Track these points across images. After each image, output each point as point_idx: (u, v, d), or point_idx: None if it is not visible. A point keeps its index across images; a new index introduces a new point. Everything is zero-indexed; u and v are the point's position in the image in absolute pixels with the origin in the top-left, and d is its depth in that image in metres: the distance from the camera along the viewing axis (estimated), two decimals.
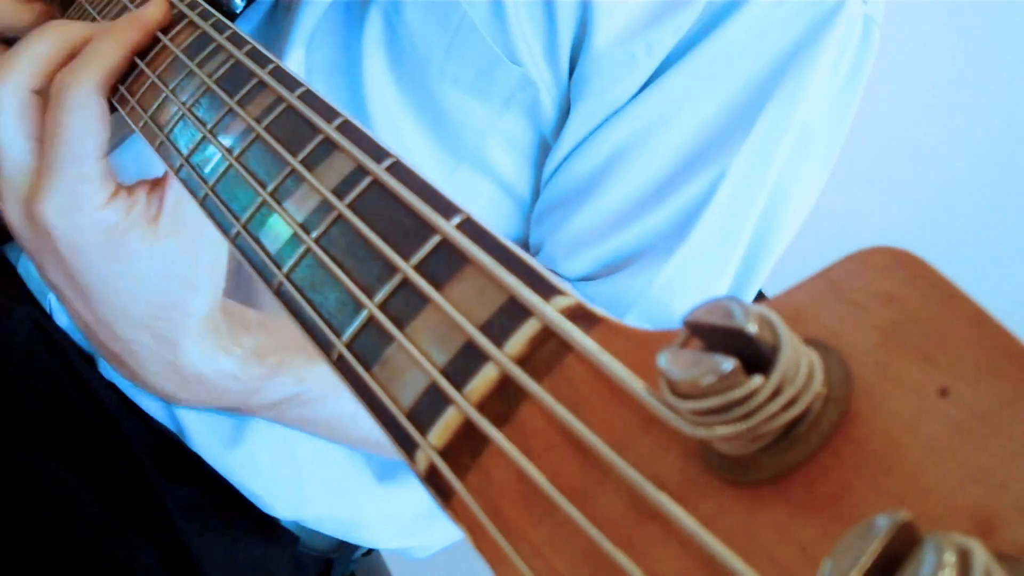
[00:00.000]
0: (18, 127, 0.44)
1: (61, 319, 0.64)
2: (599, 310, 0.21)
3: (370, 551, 0.75)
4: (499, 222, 0.65)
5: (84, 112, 0.42)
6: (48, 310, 0.65)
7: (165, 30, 0.45)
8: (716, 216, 0.58)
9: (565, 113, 0.61)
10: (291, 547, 0.65)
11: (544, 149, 0.63)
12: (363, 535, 0.67)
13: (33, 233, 0.44)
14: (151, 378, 0.49)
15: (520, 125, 0.61)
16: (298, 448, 0.63)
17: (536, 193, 0.64)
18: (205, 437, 0.62)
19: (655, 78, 0.58)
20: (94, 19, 0.54)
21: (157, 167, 0.41)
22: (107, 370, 0.62)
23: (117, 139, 0.67)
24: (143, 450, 0.61)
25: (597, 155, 0.59)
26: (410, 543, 0.70)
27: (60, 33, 0.46)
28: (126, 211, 0.44)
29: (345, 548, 0.70)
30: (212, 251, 0.46)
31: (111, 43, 0.44)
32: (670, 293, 0.58)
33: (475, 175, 0.63)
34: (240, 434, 0.62)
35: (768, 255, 0.61)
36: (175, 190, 0.44)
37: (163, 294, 0.45)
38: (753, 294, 0.63)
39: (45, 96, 0.45)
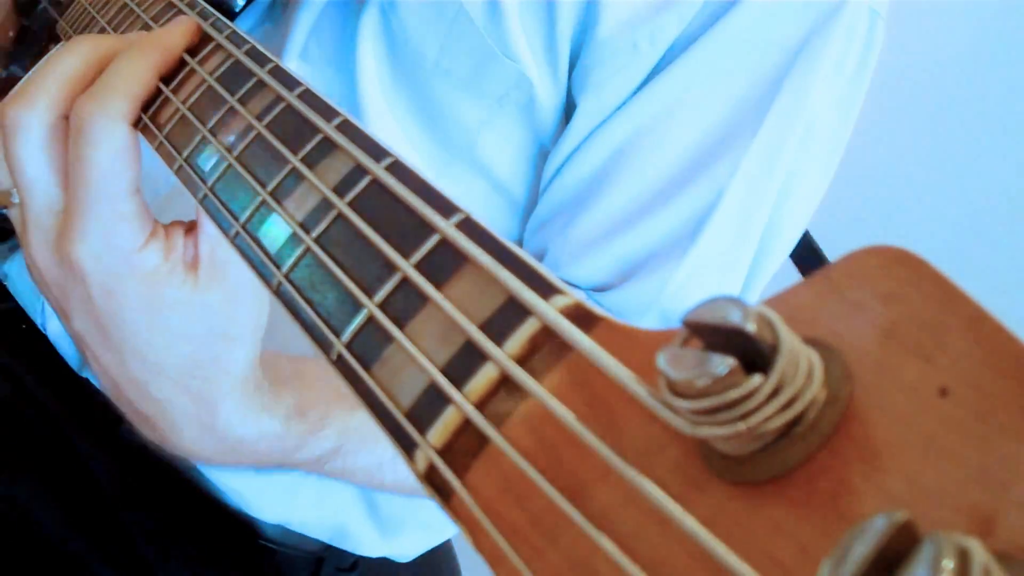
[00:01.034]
0: (45, 159, 0.39)
1: (52, 324, 0.64)
2: (599, 310, 0.21)
3: None
4: (491, 221, 0.64)
5: (113, 145, 0.38)
6: (39, 312, 0.64)
7: None
8: (728, 215, 0.57)
9: (563, 115, 0.60)
10: (269, 562, 0.65)
11: (541, 151, 0.62)
12: (348, 541, 0.67)
13: (62, 278, 0.40)
14: (186, 443, 0.44)
15: (514, 124, 0.60)
16: None
17: (532, 194, 0.64)
18: None
19: (658, 71, 0.57)
20: (94, 18, 0.54)
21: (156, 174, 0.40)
22: (78, 388, 0.62)
23: None
24: (103, 475, 0.60)
25: (600, 153, 0.58)
26: (393, 550, 0.69)
27: (89, 48, 0.41)
28: (164, 255, 0.39)
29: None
30: (253, 301, 0.41)
31: (137, 64, 0.39)
32: (684, 295, 0.57)
33: (467, 172, 0.62)
34: None
35: (776, 252, 0.60)
36: (209, 233, 0.40)
37: (201, 348, 0.41)
38: (760, 291, 0.63)
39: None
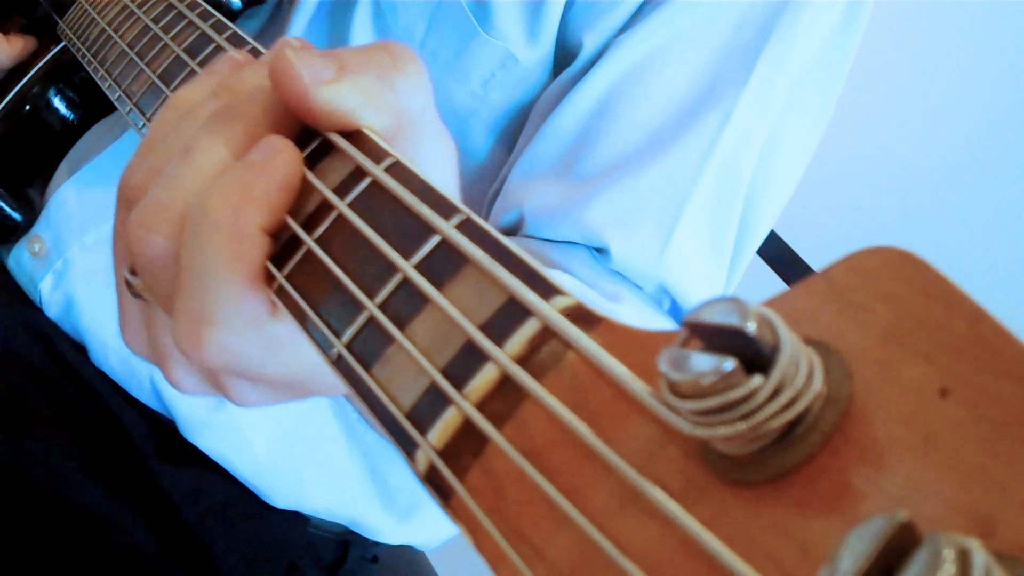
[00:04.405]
0: None
1: (50, 312, 0.64)
2: (599, 310, 0.21)
3: None
4: (481, 205, 0.62)
5: None
6: (38, 302, 0.65)
7: (166, 30, 0.45)
8: (719, 167, 0.54)
9: (551, 78, 0.59)
10: (302, 528, 0.65)
11: (521, 123, 0.61)
12: (366, 528, 0.67)
13: None
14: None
15: (501, 106, 0.60)
16: (297, 441, 0.63)
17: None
18: (191, 412, 0.62)
19: (639, 19, 0.56)
20: (94, 20, 0.54)
21: None
22: (98, 360, 0.63)
23: (110, 139, 0.67)
24: (140, 437, 0.62)
25: (584, 105, 0.56)
26: (413, 538, 0.70)
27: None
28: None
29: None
30: None
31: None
32: (683, 258, 0.55)
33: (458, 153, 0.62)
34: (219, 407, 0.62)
35: (766, 211, 0.58)
36: None
37: None
38: (751, 252, 0.60)
39: None
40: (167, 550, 0.59)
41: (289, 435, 0.63)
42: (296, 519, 0.65)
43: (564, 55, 0.59)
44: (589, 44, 0.56)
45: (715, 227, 0.56)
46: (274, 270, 0.28)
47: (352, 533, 0.68)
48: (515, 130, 0.61)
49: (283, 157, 0.29)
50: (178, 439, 0.62)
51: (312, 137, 0.31)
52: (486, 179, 0.63)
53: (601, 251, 0.55)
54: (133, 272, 0.32)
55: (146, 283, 0.31)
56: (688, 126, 0.55)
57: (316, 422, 0.64)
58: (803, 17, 0.55)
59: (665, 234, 0.54)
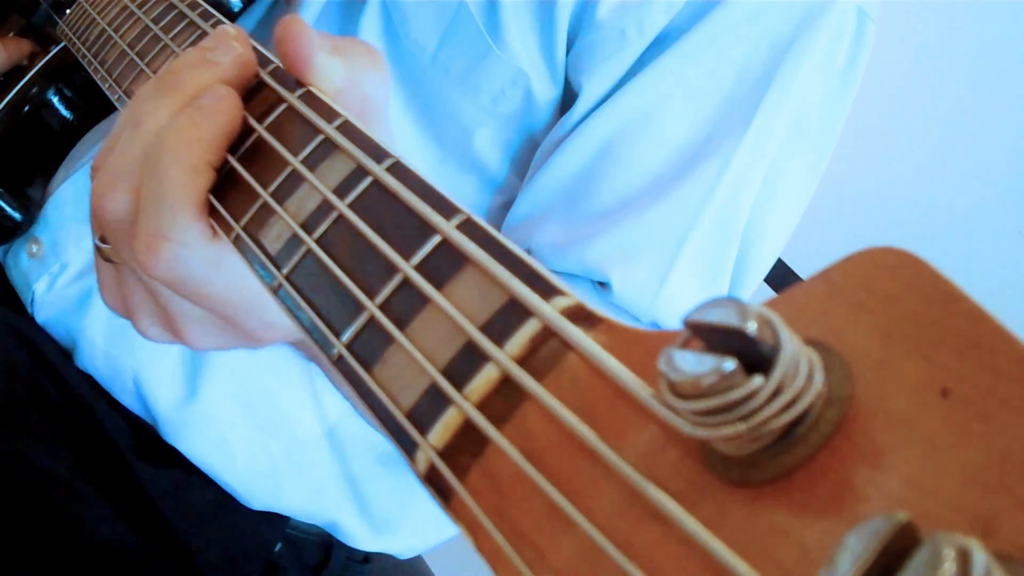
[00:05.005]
0: None
1: (41, 314, 0.65)
2: (599, 311, 0.21)
3: None
4: (483, 218, 0.64)
5: None
6: (30, 303, 0.65)
7: (166, 30, 0.45)
8: (717, 213, 0.56)
9: (559, 109, 0.60)
10: (279, 526, 0.66)
11: (533, 148, 0.62)
12: (342, 534, 0.67)
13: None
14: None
15: (509, 123, 0.61)
16: (275, 444, 0.63)
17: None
18: (168, 408, 0.62)
19: (645, 63, 0.57)
20: (94, 20, 0.54)
21: None
22: (85, 361, 0.63)
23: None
24: (121, 437, 0.62)
25: (587, 148, 0.57)
26: (388, 547, 0.70)
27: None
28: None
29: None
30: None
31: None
32: (678, 298, 0.57)
33: (460, 168, 0.62)
34: (194, 388, 0.62)
35: (763, 254, 0.60)
36: None
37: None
38: (749, 294, 0.62)
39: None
40: (148, 548, 0.60)
41: (267, 437, 0.63)
42: (273, 518, 0.65)
43: (568, 91, 0.60)
44: (589, 91, 0.58)
45: (710, 268, 0.58)
46: (215, 202, 0.33)
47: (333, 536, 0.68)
48: (529, 158, 0.62)
49: (227, 102, 0.34)
50: (159, 442, 0.63)
51: (312, 136, 0.31)
52: (504, 203, 0.64)
53: (603, 285, 0.57)
54: (104, 240, 0.36)
55: (111, 242, 0.36)
56: (688, 172, 0.57)
57: (295, 424, 0.64)
58: (803, 67, 0.56)
59: (663, 271, 0.56)
